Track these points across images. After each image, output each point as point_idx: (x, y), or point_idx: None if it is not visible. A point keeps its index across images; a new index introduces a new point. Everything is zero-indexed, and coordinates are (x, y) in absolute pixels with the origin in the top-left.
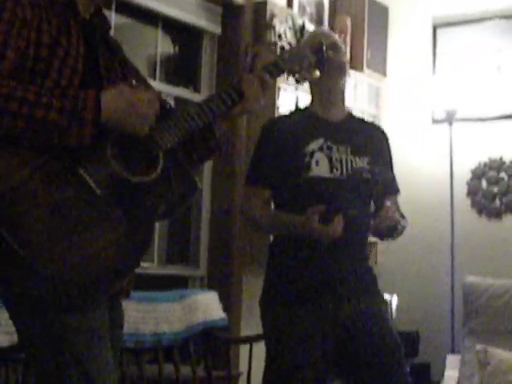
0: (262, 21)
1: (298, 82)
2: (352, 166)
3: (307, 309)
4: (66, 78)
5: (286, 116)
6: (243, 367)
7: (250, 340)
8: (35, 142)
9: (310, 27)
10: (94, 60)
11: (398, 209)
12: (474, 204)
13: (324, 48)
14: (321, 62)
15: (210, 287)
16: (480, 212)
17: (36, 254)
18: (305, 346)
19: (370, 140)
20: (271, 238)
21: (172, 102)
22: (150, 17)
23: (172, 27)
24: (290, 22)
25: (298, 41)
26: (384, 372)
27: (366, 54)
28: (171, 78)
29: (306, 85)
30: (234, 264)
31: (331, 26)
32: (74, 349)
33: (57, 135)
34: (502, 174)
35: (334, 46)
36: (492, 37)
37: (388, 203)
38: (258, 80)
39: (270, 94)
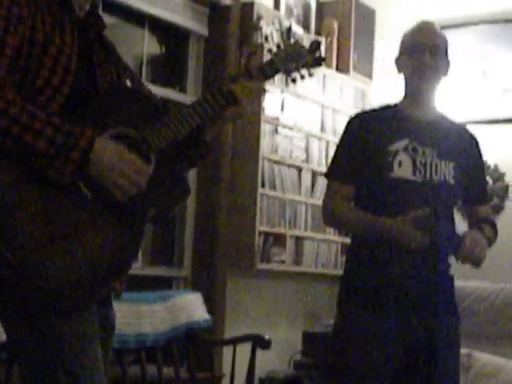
0: (248, 22)
1: (293, 81)
2: (437, 169)
3: (382, 315)
4: (58, 77)
5: (373, 111)
6: (226, 369)
7: (234, 341)
8: (17, 160)
9: (297, 29)
10: (88, 59)
11: (489, 221)
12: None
13: (321, 46)
14: (317, 60)
15: (194, 288)
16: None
17: (25, 258)
18: (373, 352)
19: (457, 144)
20: (349, 239)
21: None
22: (136, 17)
23: (159, 28)
24: (276, 24)
25: (284, 41)
26: None
27: (353, 57)
28: (157, 78)
29: (292, 87)
30: (219, 265)
31: (318, 29)
32: (63, 353)
33: (39, 163)
34: (487, 179)
35: (433, 49)
36: (478, 42)
37: (467, 237)
38: (254, 84)
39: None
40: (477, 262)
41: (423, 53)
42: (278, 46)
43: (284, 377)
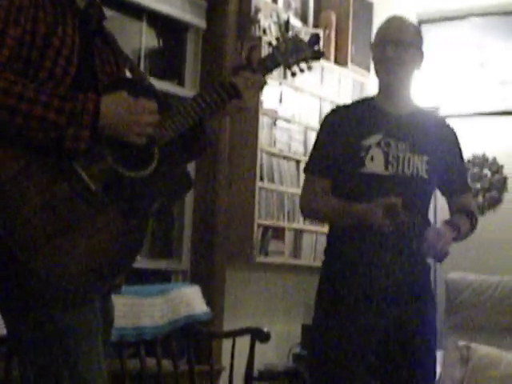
0: (246, 15)
1: (293, 74)
2: (409, 163)
3: (358, 309)
4: (61, 69)
5: (348, 106)
6: (226, 361)
7: (233, 334)
8: (31, 141)
9: (295, 22)
10: (89, 50)
11: (466, 211)
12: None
13: (320, 40)
14: (317, 53)
15: (193, 281)
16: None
17: (29, 251)
18: (350, 344)
19: (433, 136)
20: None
21: None
22: (134, 10)
23: (157, 21)
24: (274, 17)
25: (283, 35)
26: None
27: (351, 50)
28: (156, 71)
29: (290, 80)
30: (217, 258)
31: (316, 22)
32: (66, 348)
33: (53, 136)
34: (485, 171)
35: (396, 42)
36: (476, 33)
37: (429, 231)
38: (255, 77)
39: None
40: (438, 257)
41: (385, 46)
42: (278, 40)
43: (283, 369)
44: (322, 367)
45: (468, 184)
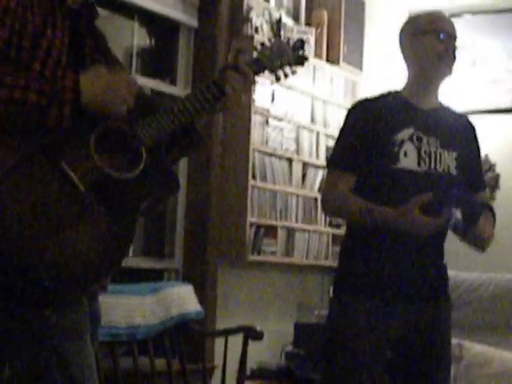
0: (238, 14)
1: (278, 79)
2: (441, 159)
3: (377, 305)
4: (50, 70)
5: (375, 98)
6: (218, 360)
7: (226, 333)
8: (15, 125)
9: (287, 21)
10: (79, 50)
11: (488, 207)
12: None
13: (304, 44)
14: (301, 58)
15: (186, 280)
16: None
17: (17, 250)
18: (368, 341)
19: (459, 133)
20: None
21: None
22: (126, 8)
23: (148, 19)
24: (266, 16)
25: (276, 35)
26: None
27: (343, 48)
28: (147, 70)
29: (283, 79)
30: (210, 257)
31: (308, 20)
32: (55, 346)
33: (36, 116)
34: None
35: (454, 38)
36: (467, 32)
37: (481, 223)
38: (240, 77)
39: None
40: (485, 245)
41: (449, 40)
42: (263, 44)
43: (276, 368)
44: (338, 366)
45: (485, 182)
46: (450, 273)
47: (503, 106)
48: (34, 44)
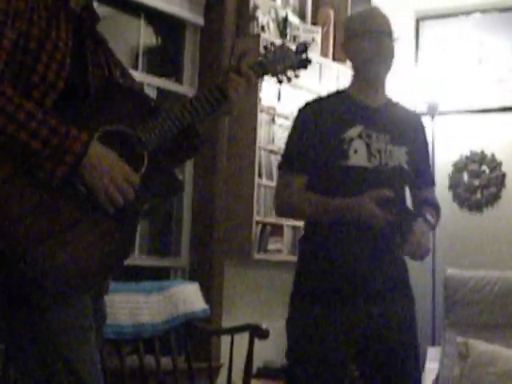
0: (244, 12)
1: (280, 82)
2: (391, 155)
3: (336, 306)
4: (54, 73)
5: (323, 99)
6: (224, 358)
7: (232, 331)
8: (9, 156)
9: (293, 19)
10: (81, 53)
11: (433, 204)
12: (455, 197)
13: (307, 48)
14: (304, 62)
15: (192, 278)
16: (461, 205)
17: (20, 252)
18: (329, 344)
19: (409, 128)
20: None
21: (154, 93)
22: (132, 8)
23: (155, 18)
24: (273, 14)
25: (281, 35)
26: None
27: None
28: (153, 68)
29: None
30: (216, 255)
31: (314, 18)
32: (59, 346)
33: (32, 162)
34: (484, 167)
35: (390, 35)
36: (474, 30)
37: (416, 228)
38: (243, 80)
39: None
40: (421, 258)
41: (383, 37)
42: (266, 48)
43: (282, 366)
44: (300, 364)
45: (433, 177)
46: (457, 271)
47: (509, 104)
48: (38, 46)
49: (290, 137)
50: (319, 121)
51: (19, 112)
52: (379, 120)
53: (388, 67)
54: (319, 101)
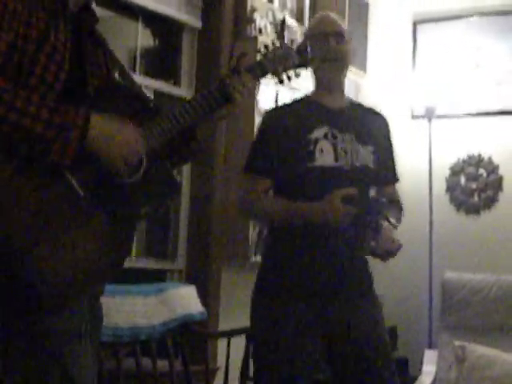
0: (242, 15)
1: (281, 82)
2: (358, 154)
3: (300, 307)
4: (52, 75)
5: (286, 104)
6: (221, 361)
7: (228, 334)
8: (17, 151)
9: (291, 22)
10: (80, 54)
11: (396, 201)
12: (452, 200)
13: (308, 48)
14: (305, 61)
15: (189, 281)
16: (458, 208)
17: (18, 255)
18: (295, 345)
19: (373, 127)
20: (266, 232)
21: (152, 95)
22: (130, 10)
23: (152, 20)
24: (270, 17)
25: (279, 37)
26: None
27: None
28: (151, 71)
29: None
30: (213, 258)
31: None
32: (55, 349)
33: (39, 148)
34: (481, 171)
35: (337, 35)
36: (471, 34)
37: (385, 224)
38: (243, 81)
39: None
40: (386, 258)
41: (329, 40)
42: (266, 48)
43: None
44: (267, 366)
45: (397, 175)
46: (454, 274)
47: (506, 107)
48: (37, 48)
49: (254, 142)
50: (284, 124)
51: (17, 99)
52: (343, 120)
53: (340, 68)
54: (283, 106)
